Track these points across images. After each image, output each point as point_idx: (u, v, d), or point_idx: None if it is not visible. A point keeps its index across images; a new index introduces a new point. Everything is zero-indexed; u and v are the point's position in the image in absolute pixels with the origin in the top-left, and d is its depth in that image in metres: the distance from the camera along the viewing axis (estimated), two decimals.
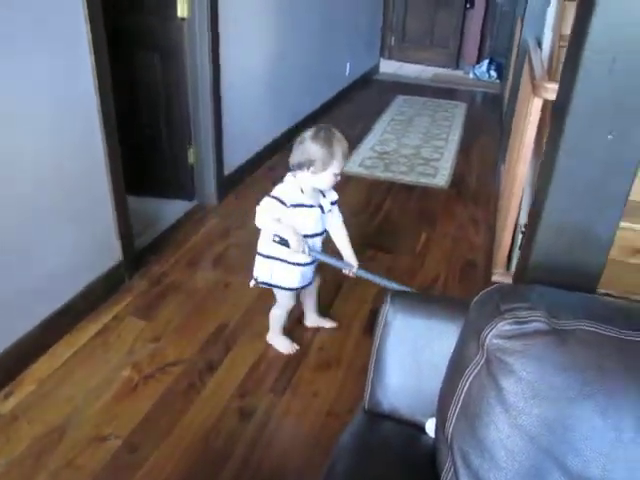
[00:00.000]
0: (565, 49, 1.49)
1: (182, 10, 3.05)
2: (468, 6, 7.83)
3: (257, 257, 2.18)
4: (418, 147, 4.69)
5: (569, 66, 1.07)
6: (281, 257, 2.11)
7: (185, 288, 2.71)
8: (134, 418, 2.00)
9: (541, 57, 3.08)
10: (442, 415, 1.02)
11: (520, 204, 2.73)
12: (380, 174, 4.12)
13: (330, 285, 2.80)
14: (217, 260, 2.98)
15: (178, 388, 2.14)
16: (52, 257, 2.24)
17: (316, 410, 2.09)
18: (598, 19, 0.94)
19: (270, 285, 2.21)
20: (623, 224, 2.75)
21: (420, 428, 1.16)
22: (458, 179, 4.14)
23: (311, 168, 1.94)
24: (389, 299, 1.17)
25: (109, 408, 2.05)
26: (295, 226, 2.02)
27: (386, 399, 1.19)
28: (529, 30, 3.80)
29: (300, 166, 1.96)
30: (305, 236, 2.05)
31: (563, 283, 1.09)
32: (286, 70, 4.31)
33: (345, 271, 2.18)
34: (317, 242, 2.15)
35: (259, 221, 2.02)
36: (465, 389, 0.94)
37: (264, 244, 2.13)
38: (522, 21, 4.26)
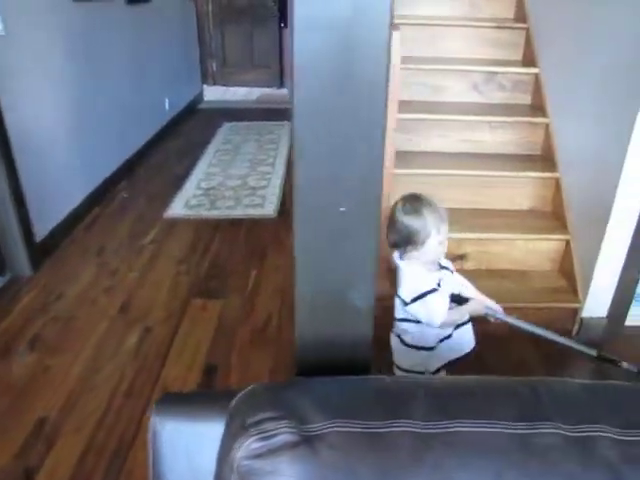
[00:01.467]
0: None
1: None
2: (282, 25, 7.95)
3: (425, 353, 1.87)
4: (245, 177, 4.63)
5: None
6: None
7: None
8: None
9: None
10: None
11: None
12: (206, 213, 4.00)
13: (160, 346, 2.67)
14: (34, 341, 2.71)
15: None
16: None
17: None
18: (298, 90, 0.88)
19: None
20: None
21: None
22: (288, 205, 4.13)
23: (408, 247, 1.76)
24: (155, 406, 1.07)
25: None
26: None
27: None
28: None
29: (397, 245, 1.79)
30: None
31: (334, 365, 1.05)
32: (94, 119, 4.08)
33: (491, 319, 1.89)
34: None
35: (446, 323, 1.79)
36: None
37: (427, 338, 1.85)
38: None
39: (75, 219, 3.78)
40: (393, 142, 2.36)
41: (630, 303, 2.66)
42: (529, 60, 3.41)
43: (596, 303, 2.69)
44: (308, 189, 0.94)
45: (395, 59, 2.16)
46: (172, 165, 5.02)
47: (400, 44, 2.16)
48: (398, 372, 1.94)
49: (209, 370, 2.51)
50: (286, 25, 7.87)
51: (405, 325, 1.86)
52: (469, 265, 2.95)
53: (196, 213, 3.99)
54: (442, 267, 1.88)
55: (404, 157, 2.95)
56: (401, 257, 1.82)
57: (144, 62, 5.17)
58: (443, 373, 1.91)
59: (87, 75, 3.98)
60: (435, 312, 1.76)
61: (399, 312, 1.85)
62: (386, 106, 0.88)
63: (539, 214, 3.08)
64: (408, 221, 1.72)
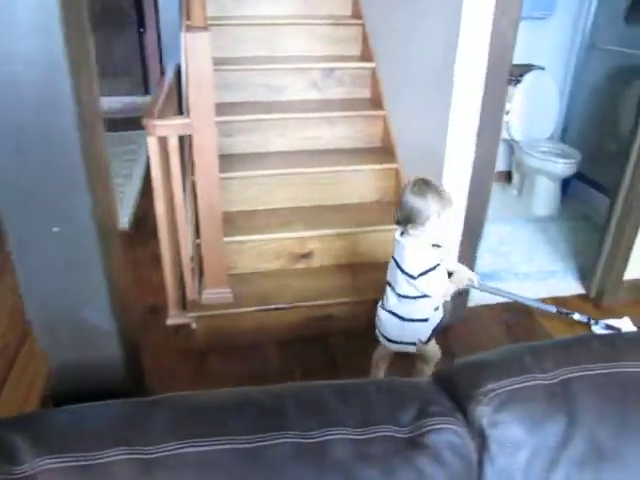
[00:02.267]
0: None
1: None
2: (142, 30, 7.71)
3: (419, 325, 2.04)
4: None
5: None
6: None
7: None
8: None
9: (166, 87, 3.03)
10: None
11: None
12: None
13: None
14: None
15: None
16: None
17: None
18: None
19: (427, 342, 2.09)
20: (280, 235, 2.84)
21: None
22: (142, 216, 3.97)
23: (409, 225, 1.87)
24: None
25: None
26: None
27: None
28: (167, 55, 3.77)
29: (399, 222, 1.91)
30: None
31: (90, 389, 0.97)
32: None
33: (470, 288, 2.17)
34: None
35: (445, 294, 1.98)
36: None
37: (424, 310, 2.02)
38: None
39: None
40: (216, 147, 2.31)
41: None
42: (366, 55, 3.46)
43: None
44: (16, 215, 0.87)
45: (204, 60, 2.10)
46: None
47: (209, 45, 2.11)
48: (387, 343, 2.12)
49: (46, 402, 2.36)
50: (145, 29, 7.65)
51: (403, 300, 1.99)
52: (316, 262, 2.94)
53: None
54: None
55: (240, 160, 2.92)
56: (402, 234, 1.95)
57: None
58: (433, 341, 2.11)
59: None
60: (440, 285, 1.95)
61: (401, 288, 1.97)
62: (80, 113, 0.82)
63: (383, 205, 3.12)
64: (412, 201, 1.85)
